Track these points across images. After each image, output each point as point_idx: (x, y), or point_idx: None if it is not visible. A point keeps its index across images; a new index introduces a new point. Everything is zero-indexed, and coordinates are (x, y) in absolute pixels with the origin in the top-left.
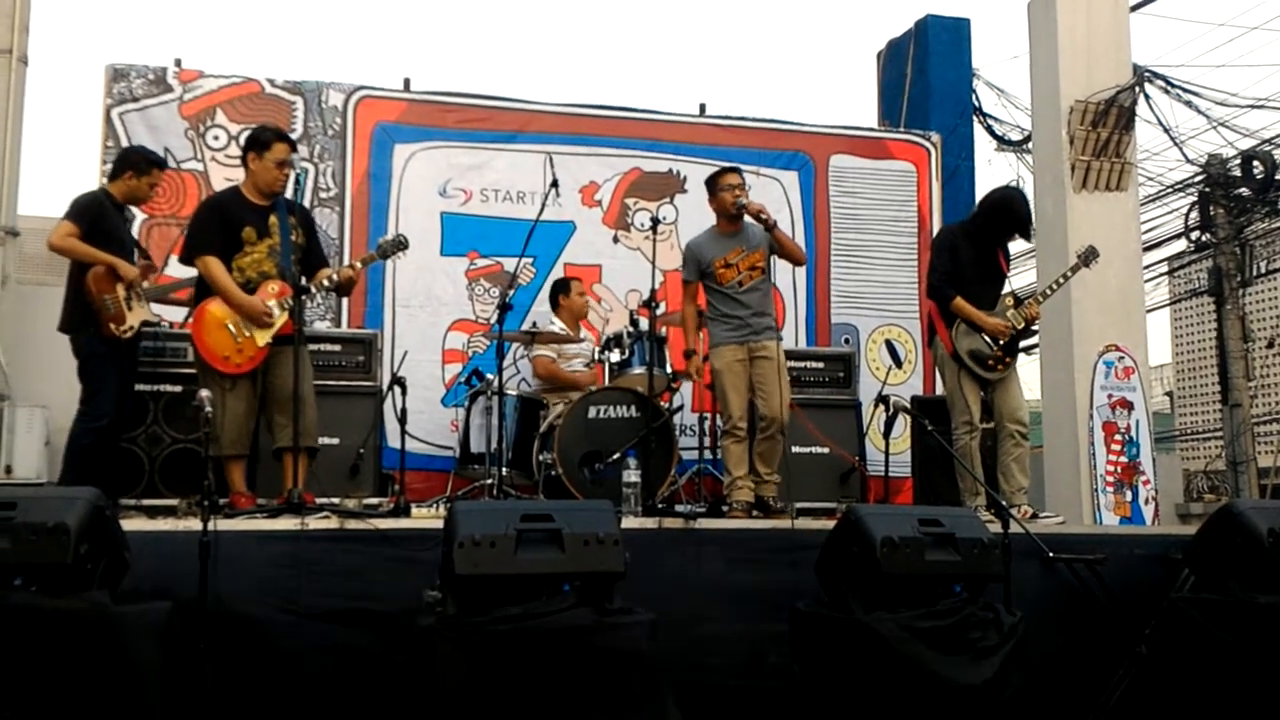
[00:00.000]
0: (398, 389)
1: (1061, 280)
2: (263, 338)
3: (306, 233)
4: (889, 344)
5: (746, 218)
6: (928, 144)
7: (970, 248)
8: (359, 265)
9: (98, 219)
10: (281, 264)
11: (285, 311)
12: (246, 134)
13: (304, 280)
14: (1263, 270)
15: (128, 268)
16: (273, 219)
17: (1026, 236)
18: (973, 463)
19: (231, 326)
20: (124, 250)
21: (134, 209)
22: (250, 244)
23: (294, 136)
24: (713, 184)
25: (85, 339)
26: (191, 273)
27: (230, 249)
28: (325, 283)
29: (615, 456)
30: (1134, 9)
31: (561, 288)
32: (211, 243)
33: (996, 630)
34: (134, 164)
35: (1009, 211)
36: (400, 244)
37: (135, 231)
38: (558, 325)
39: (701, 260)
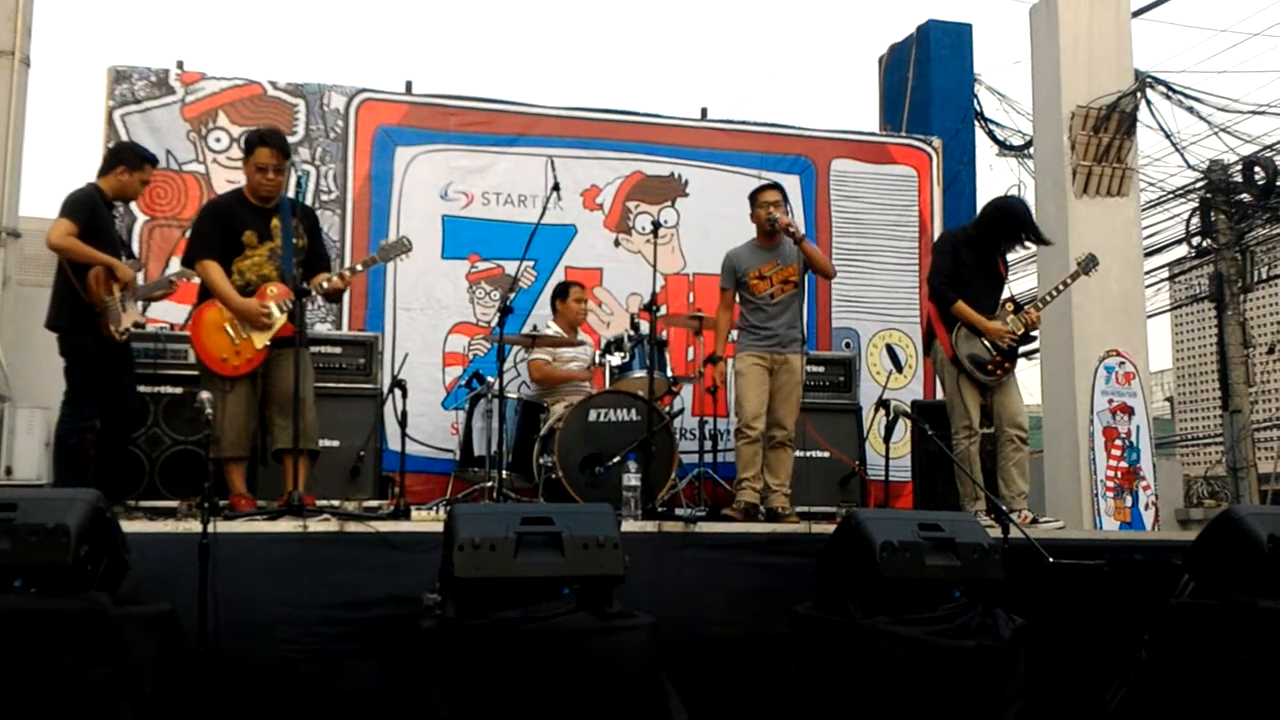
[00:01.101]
0: (398, 391)
1: (1061, 288)
2: (261, 340)
3: (310, 235)
4: (890, 348)
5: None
6: (929, 149)
7: (971, 253)
8: (360, 268)
9: (93, 216)
10: (283, 267)
11: (285, 314)
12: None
13: (305, 283)
14: (1264, 276)
15: (125, 269)
16: (275, 222)
17: (1035, 239)
18: (972, 467)
19: (229, 329)
20: (114, 248)
21: (137, 211)
22: (251, 247)
23: (295, 139)
24: (753, 199)
25: (76, 338)
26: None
27: (231, 252)
28: (322, 285)
29: (615, 460)
30: (1136, 14)
31: (560, 293)
32: (210, 247)
33: (994, 636)
34: (126, 159)
35: (1009, 219)
36: (403, 247)
37: (136, 233)
38: (553, 330)
39: (738, 270)
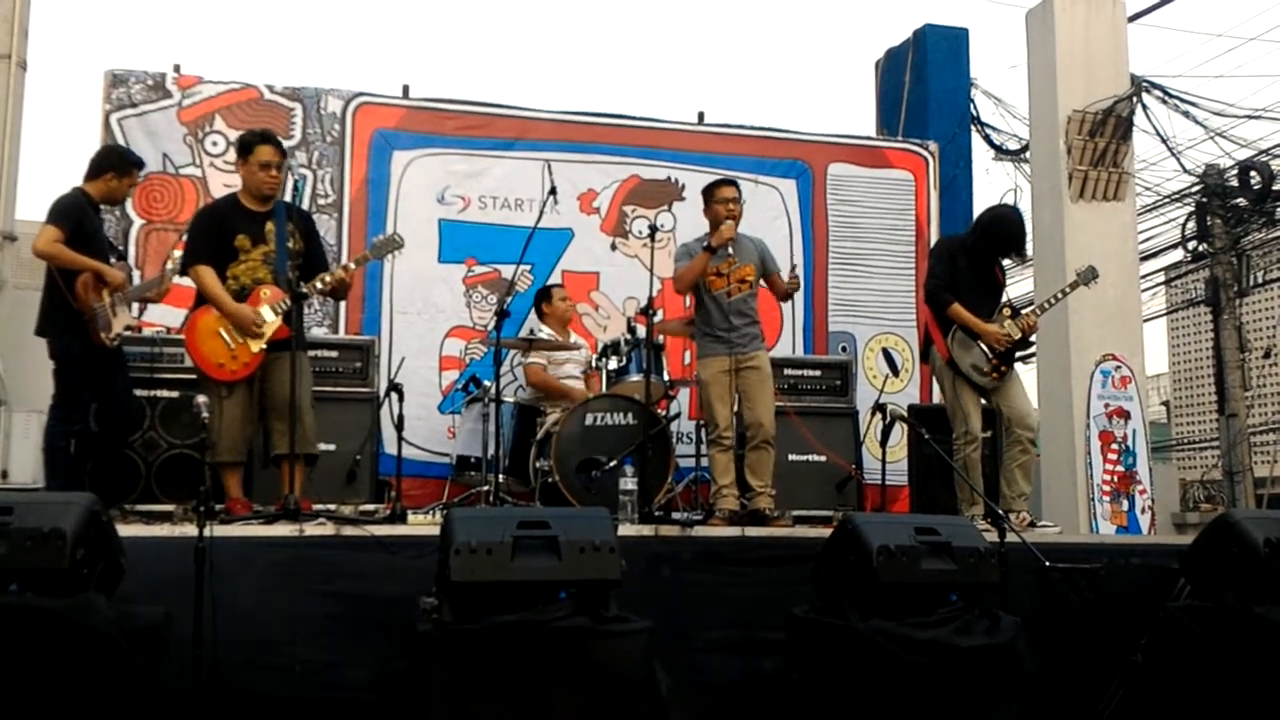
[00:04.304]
0: (395, 395)
1: (1059, 296)
2: (257, 344)
3: (306, 238)
4: (886, 352)
5: (741, 229)
6: (926, 153)
7: (968, 260)
8: (353, 266)
9: (81, 222)
10: (277, 270)
11: (279, 316)
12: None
13: (301, 286)
14: (1259, 280)
15: (115, 274)
16: (269, 225)
17: (1021, 254)
18: (973, 474)
19: (225, 333)
20: (102, 253)
21: (134, 215)
22: (245, 251)
23: (292, 143)
24: (709, 194)
25: (66, 344)
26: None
27: (224, 257)
28: (318, 285)
29: (612, 464)
30: (1132, 19)
31: (544, 295)
32: (203, 253)
33: (991, 639)
34: (115, 165)
35: (1004, 231)
36: (395, 243)
37: (133, 237)
38: (546, 333)
39: None
